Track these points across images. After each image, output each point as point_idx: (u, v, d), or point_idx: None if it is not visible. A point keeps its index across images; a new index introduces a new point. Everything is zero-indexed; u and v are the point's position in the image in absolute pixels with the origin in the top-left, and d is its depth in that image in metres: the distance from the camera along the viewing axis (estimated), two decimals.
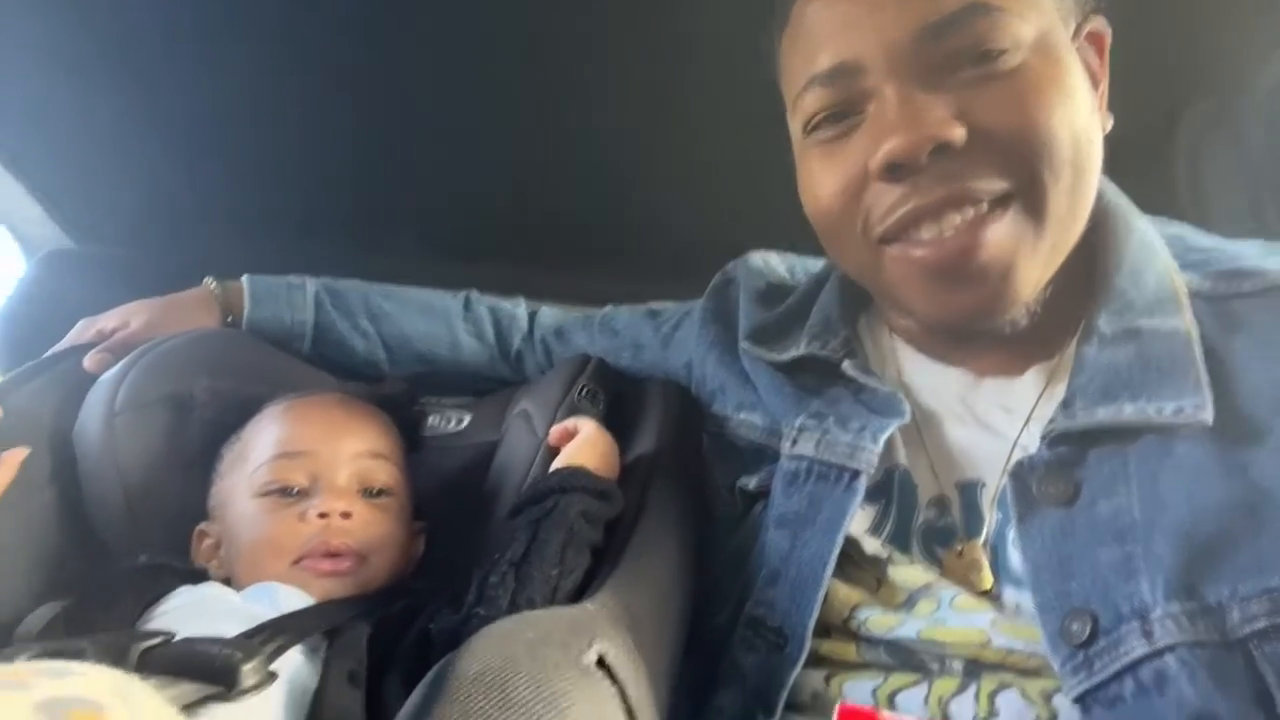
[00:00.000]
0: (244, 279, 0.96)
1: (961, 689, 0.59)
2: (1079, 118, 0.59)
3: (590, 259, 1.32)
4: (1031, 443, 0.64)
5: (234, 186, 1.26)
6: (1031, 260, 0.60)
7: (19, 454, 0.67)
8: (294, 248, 1.36)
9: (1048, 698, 0.57)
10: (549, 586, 0.59)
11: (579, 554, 0.62)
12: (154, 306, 0.91)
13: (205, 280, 0.96)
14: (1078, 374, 0.63)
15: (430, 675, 0.36)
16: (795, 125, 0.68)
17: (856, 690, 0.62)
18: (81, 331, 0.89)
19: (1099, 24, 0.65)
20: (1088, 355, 0.63)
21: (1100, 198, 0.68)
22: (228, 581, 0.70)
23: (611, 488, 0.68)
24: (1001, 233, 0.59)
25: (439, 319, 0.99)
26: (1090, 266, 0.67)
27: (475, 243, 1.33)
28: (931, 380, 0.72)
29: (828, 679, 0.64)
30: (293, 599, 0.64)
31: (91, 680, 0.37)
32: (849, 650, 0.64)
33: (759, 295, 0.87)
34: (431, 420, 0.94)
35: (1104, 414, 0.60)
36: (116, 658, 0.51)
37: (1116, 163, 0.65)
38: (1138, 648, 0.53)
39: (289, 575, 0.67)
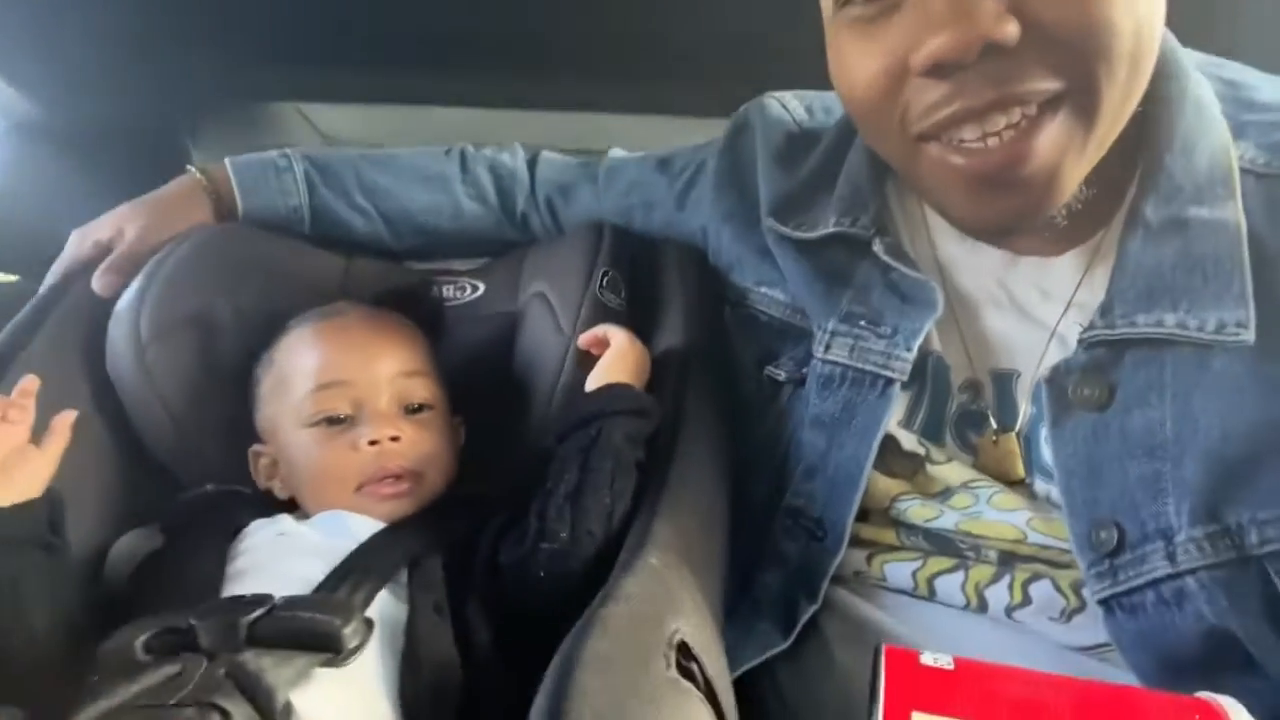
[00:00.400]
0: (228, 165, 0.92)
1: (996, 578, 0.65)
2: (1142, 3, 0.54)
3: (589, 66, 1.25)
4: (1069, 333, 0.64)
5: (196, 15, 1.15)
6: (1078, 161, 0.57)
7: (69, 417, 0.69)
8: (267, 74, 1.29)
9: (1078, 589, 0.63)
10: (604, 514, 0.63)
11: (627, 477, 0.66)
12: (145, 209, 0.88)
13: (189, 169, 0.92)
14: (1120, 275, 0.61)
15: (540, 713, 0.41)
16: None
17: (897, 572, 0.69)
18: (78, 246, 0.87)
19: None
20: (1132, 251, 0.61)
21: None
22: (293, 502, 0.75)
23: (650, 404, 0.71)
24: (1049, 139, 0.55)
25: (438, 187, 0.95)
26: (1139, 138, 0.63)
27: (465, 54, 1.25)
28: (966, 258, 0.70)
29: (869, 559, 0.70)
30: (364, 525, 0.69)
31: None
32: (889, 535, 0.70)
33: (779, 153, 0.82)
34: (444, 290, 0.94)
35: (1143, 323, 0.59)
36: (227, 635, 0.56)
37: None
38: (1161, 568, 0.58)
39: (353, 502, 0.71)
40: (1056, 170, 0.56)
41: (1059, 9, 0.52)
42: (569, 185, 0.96)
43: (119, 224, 0.87)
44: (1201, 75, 0.64)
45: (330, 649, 0.56)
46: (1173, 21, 0.61)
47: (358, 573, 0.63)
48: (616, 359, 0.75)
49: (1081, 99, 0.55)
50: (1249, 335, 0.57)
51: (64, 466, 0.69)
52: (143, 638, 0.57)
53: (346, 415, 0.73)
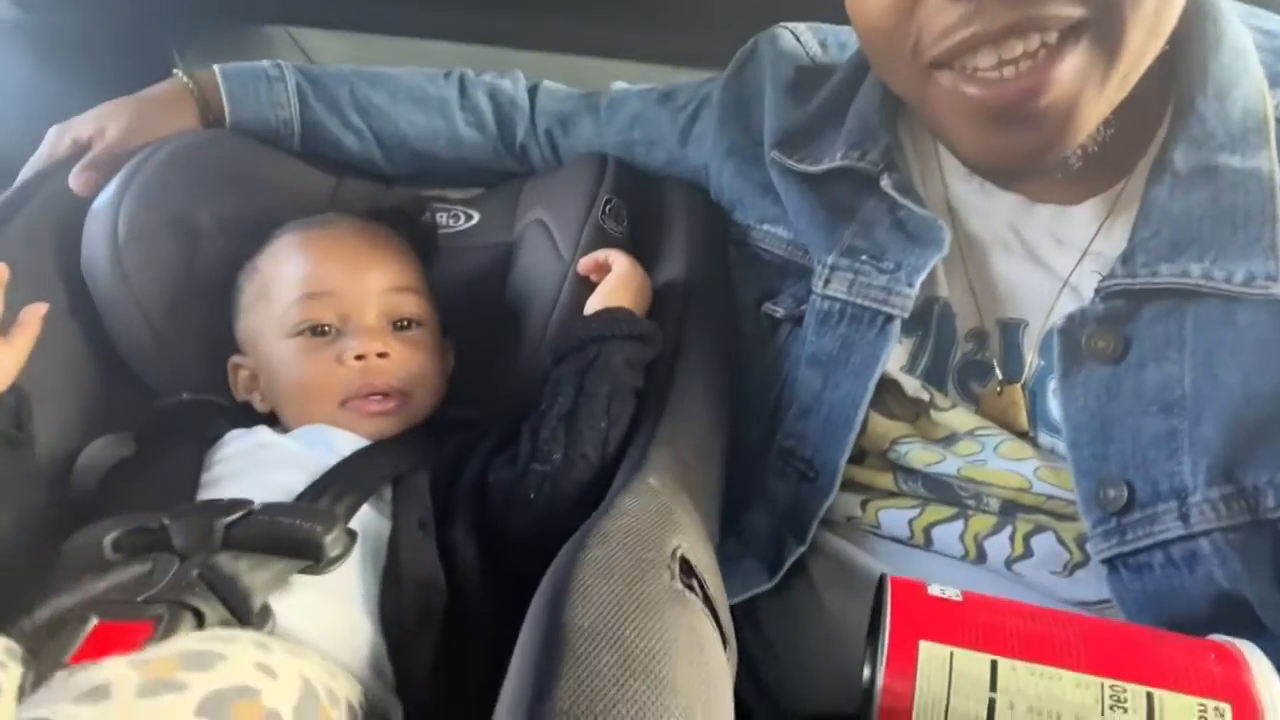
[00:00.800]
0: (216, 71, 0.87)
1: (998, 528, 0.63)
2: None
3: (589, 7, 1.21)
4: (1083, 284, 0.62)
5: None
6: (1097, 98, 0.54)
7: (40, 309, 0.65)
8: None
9: (1081, 543, 0.61)
10: (600, 438, 0.61)
11: (624, 402, 0.64)
12: (128, 109, 0.84)
13: (175, 73, 0.88)
14: (1144, 223, 0.59)
15: (539, 613, 0.39)
16: None
17: (892, 519, 0.67)
18: (55, 142, 0.82)
19: None
20: (1158, 199, 0.58)
21: None
22: (273, 415, 0.72)
23: (651, 329, 0.69)
24: (1069, 70, 0.53)
25: (435, 111, 0.92)
26: (1162, 81, 0.60)
27: None
28: (980, 201, 0.68)
29: (864, 504, 0.68)
30: (347, 441, 0.67)
31: (236, 662, 0.40)
32: (886, 479, 0.68)
33: (789, 86, 0.79)
34: (440, 218, 0.91)
35: (1167, 273, 0.57)
36: (202, 536, 0.53)
37: None
38: (1173, 529, 0.56)
39: (337, 417, 0.68)
40: (1074, 105, 0.54)
41: None
42: (570, 116, 0.93)
43: (100, 122, 0.82)
44: (1237, 19, 0.62)
45: (310, 556, 0.54)
46: None
47: (340, 485, 0.60)
48: (618, 284, 0.72)
49: (1104, 28, 0.52)
50: (1278, 288, 0.55)
51: (34, 368, 0.65)
52: (112, 535, 0.54)
53: (332, 326, 0.70)
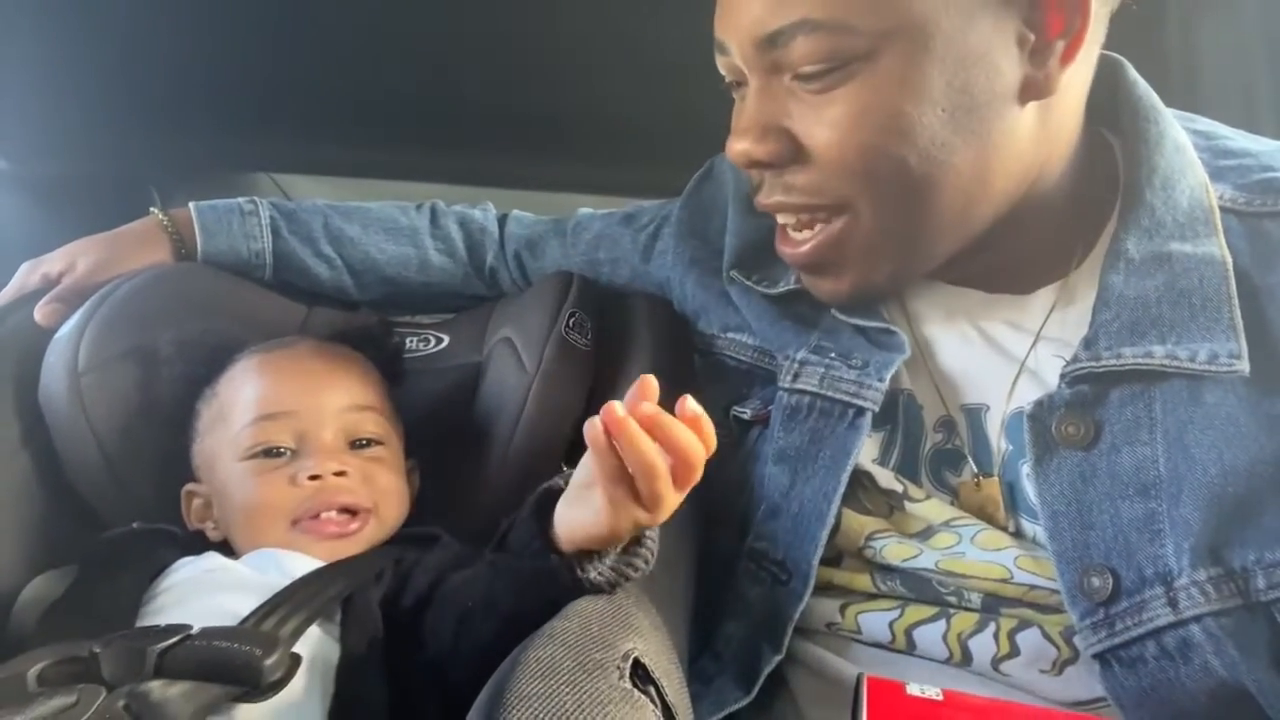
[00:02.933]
0: (191, 207, 0.90)
1: (981, 626, 0.61)
2: (930, 128, 0.55)
3: (563, 147, 1.27)
4: (1040, 368, 0.63)
5: (171, 87, 1.16)
6: (901, 246, 0.62)
7: None
8: (243, 145, 1.29)
9: (1069, 638, 0.58)
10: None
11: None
12: (100, 244, 0.85)
13: (151, 210, 0.90)
14: (1103, 308, 0.60)
15: (480, 714, 0.36)
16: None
17: (872, 623, 0.64)
18: (26, 277, 0.83)
19: None
20: (1114, 285, 0.60)
21: (1129, 92, 0.64)
22: (225, 543, 0.70)
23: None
24: (847, 236, 0.61)
25: (406, 239, 0.94)
26: (1110, 176, 0.63)
27: (441, 131, 1.26)
28: (938, 299, 0.69)
29: (843, 609, 0.65)
30: (300, 563, 0.64)
31: None
32: (863, 579, 0.65)
33: (747, 200, 0.81)
34: (408, 343, 0.91)
35: (1131, 355, 0.58)
36: (133, 664, 0.50)
37: (1106, 40, 0.59)
38: (1162, 616, 0.54)
39: (289, 539, 0.66)
40: (874, 256, 0.62)
41: (823, 140, 0.58)
42: (537, 240, 0.96)
43: (71, 256, 0.84)
44: (1177, 122, 0.65)
45: (248, 681, 0.50)
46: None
47: (288, 606, 0.57)
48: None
49: (864, 214, 0.60)
50: (1243, 365, 0.56)
51: None
52: (38, 666, 0.51)
53: (287, 448, 0.68)
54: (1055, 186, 0.61)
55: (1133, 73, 0.65)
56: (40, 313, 0.79)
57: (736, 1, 0.58)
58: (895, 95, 0.55)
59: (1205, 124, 0.68)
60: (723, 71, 0.65)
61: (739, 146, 0.61)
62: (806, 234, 0.62)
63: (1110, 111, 0.65)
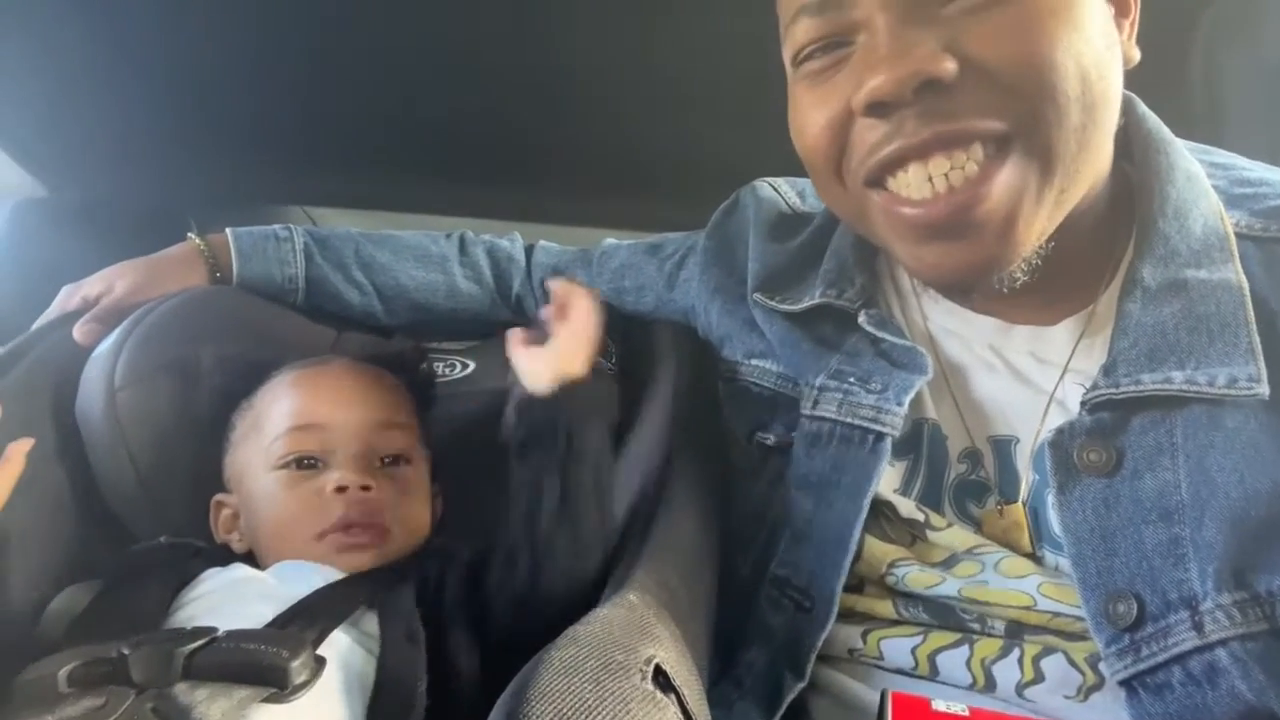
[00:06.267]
0: (228, 233, 0.92)
1: (1005, 652, 0.60)
2: (1089, 51, 0.54)
3: (589, 182, 1.29)
4: (1068, 398, 0.62)
5: (208, 119, 1.20)
6: (1035, 210, 0.56)
7: (24, 445, 0.65)
8: (277, 179, 1.33)
9: (1094, 664, 0.57)
10: (601, 529, 0.61)
11: (609, 478, 0.63)
12: (138, 268, 0.88)
13: (189, 236, 0.93)
14: (1121, 335, 0.60)
15: (499, 713, 0.37)
16: (786, 56, 0.64)
17: (895, 649, 0.63)
18: (66, 299, 0.86)
19: None
20: (1131, 313, 0.60)
21: (1139, 126, 0.65)
22: (250, 554, 0.71)
23: (609, 393, 0.68)
24: (1001, 185, 0.55)
25: (435, 266, 0.96)
26: (1127, 206, 0.63)
27: (468, 166, 1.29)
28: (959, 327, 0.69)
29: (865, 635, 0.65)
30: (323, 575, 0.64)
31: None
32: (885, 606, 0.65)
33: (770, 230, 0.83)
34: (437, 367, 0.93)
35: (1150, 381, 0.58)
36: (161, 666, 0.51)
37: (1128, 77, 0.60)
38: (1187, 640, 0.53)
39: (313, 551, 0.67)
40: (1012, 216, 0.56)
41: (998, 46, 0.54)
42: (564, 268, 0.97)
43: (110, 279, 0.86)
44: (1191, 155, 0.66)
45: (275, 683, 0.51)
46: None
47: (310, 613, 0.58)
48: (573, 343, 0.67)
49: (1030, 140, 0.55)
50: (1263, 389, 0.55)
51: (16, 510, 0.64)
52: (68, 668, 0.51)
53: (318, 459, 0.70)
54: (1089, 209, 0.61)
55: (1142, 107, 0.66)
56: (79, 331, 0.81)
57: None
58: (1080, 16, 0.54)
59: (1223, 156, 0.69)
60: (808, 37, 0.60)
61: (885, 75, 0.54)
62: (942, 183, 0.56)
63: (1124, 144, 0.66)
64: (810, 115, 0.61)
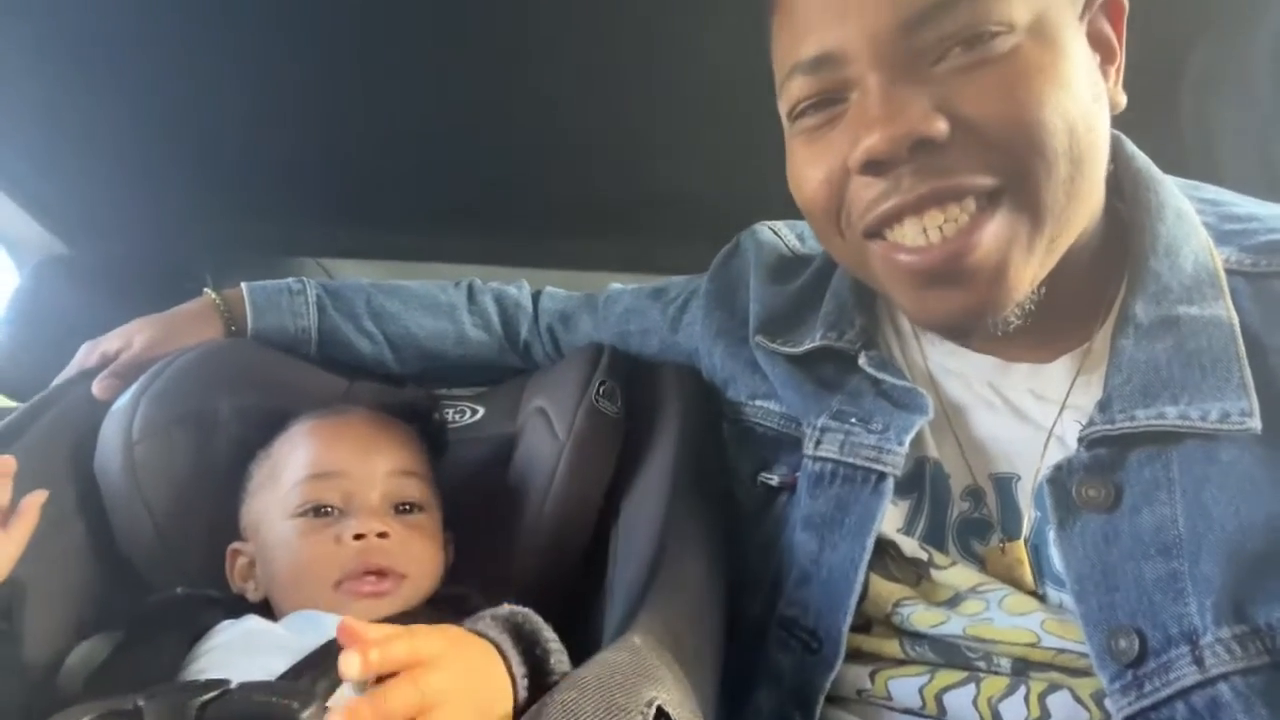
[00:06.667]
0: (243, 287, 0.95)
1: (1011, 690, 0.60)
2: (1075, 106, 0.56)
3: (595, 227, 1.32)
4: (1067, 434, 0.63)
5: (224, 176, 1.24)
6: (1026, 259, 0.58)
7: (38, 498, 0.67)
8: (291, 233, 1.37)
9: (1099, 701, 0.57)
10: None
11: None
12: (156, 323, 0.90)
13: (204, 290, 0.95)
14: (1115, 372, 0.61)
15: None
16: (782, 110, 0.65)
17: (902, 689, 0.63)
18: (86, 356, 0.88)
19: None
20: (1125, 350, 0.61)
21: (1128, 165, 0.66)
22: (266, 603, 0.72)
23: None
24: (992, 233, 0.57)
25: (444, 315, 0.98)
26: (1119, 244, 0.64)
27: (479, 218, 1.33)
28: (959, 366, 0.70)
29: (873, 675, 0.65)
30: (334, 626, 0.65)
31: None
32: (892, 646, 0.65)
33: (770, 273, 0.85)
34: (447, 414, 0.94)
35: (1144, 417, 0.58)
36: (175, 717, 0.52)
37: (1120, 115, 0.62)
38: (1189, 675, 0.53)
39: (329, 599, 0.67)
40: (1003, 265, 0.58)
41: (987, 105, 0.55)
42: (570, 314, 0.99)
43: (128, 335, 0.89)
44: (1180, 193, 0.67)
45: None
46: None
47: (321, 664, 0.58)
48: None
49: (1020, 194, 0.57)
50: (1255, 423, 0.56)
51: (35, 564, 0.66)
52: (89, 717, 0.52)
53: (335, 508, 0.71)
54: (1082, 249, 0.62)
55: (1131, 146, 0.68)
56: (98, 387, 0.83)
57: None
58: (1055, 57, 0.55)
59: (1212, 191, 0.70)
60: (803, 94, 0.61)
61: (880, 135, 0.55)
62: (936, 235, 0.58)
63: (1114, 183, 0.67)
64: (807, 171, 0.63)
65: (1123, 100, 0.62)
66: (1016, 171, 0.56)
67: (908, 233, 0.59)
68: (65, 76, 1.06)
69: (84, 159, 1.18)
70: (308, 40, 1.02)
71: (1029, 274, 0.59)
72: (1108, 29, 0.61)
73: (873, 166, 0.58)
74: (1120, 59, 0.62)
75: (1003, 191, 0.56)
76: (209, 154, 1.19)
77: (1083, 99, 0.56)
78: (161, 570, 0.76)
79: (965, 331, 0.65)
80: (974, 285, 0.58)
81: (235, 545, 0.75)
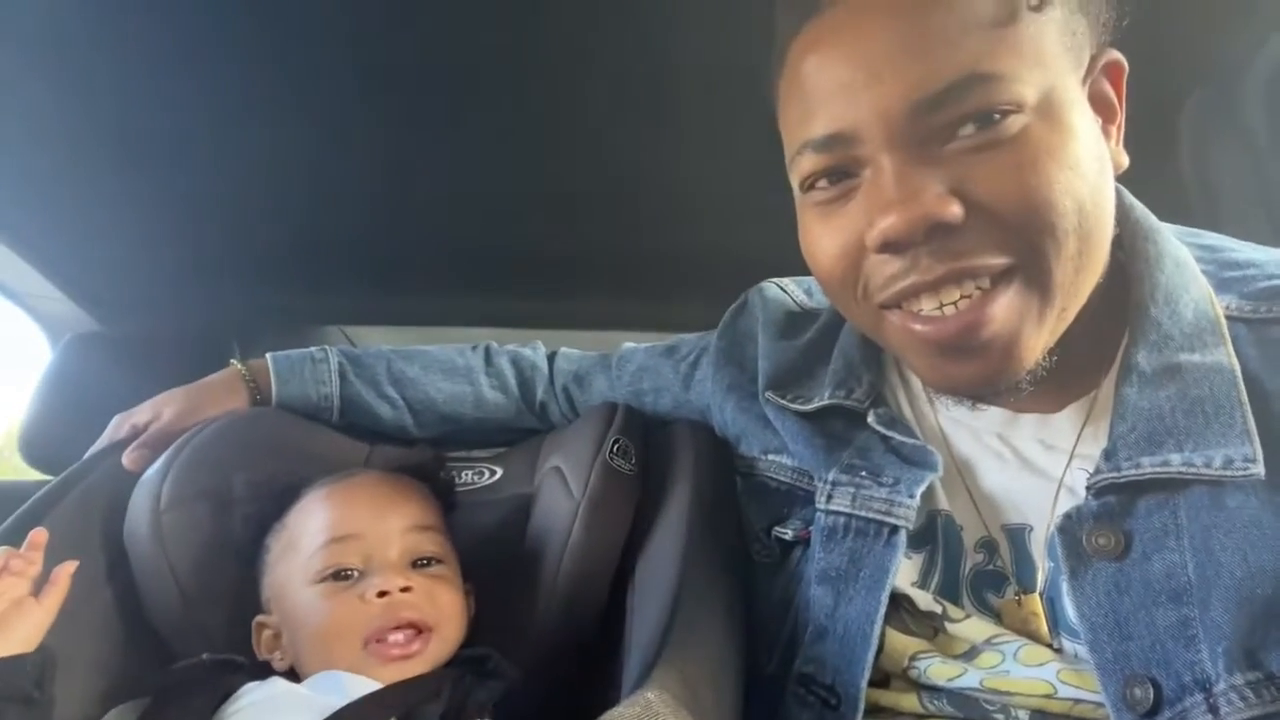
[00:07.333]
0: (268, 358, 0.97)
1: None
2: (1084, 185, 0.57)
3: (608, 287, 1.35)
4: (1076, 483, 0.63)
5: (250, 253, 1.28)
6: (1037, 332, 0.59)
7: (69, 567, 0.69)
8: (315, 302, 1.40)
9: None
10: None
11: None
12: (184, 395, 0.93)
13: (231, 361, 0.98)
14: (1119, 421, 0.61)
15: None
16: (793, 180, 0.66)
17: None
18: (116, 428, 0.91)
19: (1114, 56, 0.62)
20: (1129, 398, 0.61)
21: (1127, 216, 0.67)
22: (292, 672, 0.72)
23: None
24: (1005, 307, 0.58)
25: (462, 378, 1.00)
26: (1121, 294, 0.65)
27: (495, 282, 1.36)
28: (967, 419, 0.71)
29: None
30: (361, 685, 0.66)
31: None
32: (911, 700, 0.65)
33: (779, 328, 0.86)
34: (464, 475, 0.96)
35: (1150, 464, 0.59)
36: None
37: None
38: None
39: (359, 661, 0.68)
40: (1015, 338, 0.58)
41: (1000, 189, 0.56)
42: (585, 374, 1.01)
43: (158, 407, 0.91)
44: (1179, 240, 0.68)
45: None
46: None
47: None
48: None
49: (1032, 272, 0.57)
50: (1259, 469, 0.56)
51: (65, 632, 0.68)
52: None
53: (356, 570, 0.72)
54: (1087, 305, 0.63)
55: (1129, 197, 0.69)
56: (128, 458, 0.86)
57: (877, 76, 0.56)
58: (1063, 137, 0.56)
59: (1211, 238, 0.71)
60: (814, 169, 0.62)
61: (897, 218, 0.56)
62: (951, 309, 0.58)
63: (1114, 235, 0.68)
64: (822, 243, 0.64)
65: (1125, 161, 0.63)
66: (1028, 251, 0.57)
67: (924, 305, 0.60)
68: (95, 156, 1.11)
69: (113, 236, 1.22)
70: (327, 115, 1.06)
71: (1040, 344, 0.59)
72: (1109, 89, 0.63)
73: (890, 247, 0.58)
74: (1121, 118, 0.63)
75: (1016, 269, 0.57)
76: (234, 228, 1.23)
77: (1090, 176, 0.57)
78: (188, 639, 0.77)
79: (980, 396, 0.66)
80: (987, 356, 0.59)
81: (260, 618, 0.76)
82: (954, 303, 0.58)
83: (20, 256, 1.22)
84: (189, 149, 1.11)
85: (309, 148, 1.11)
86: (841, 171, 0.61)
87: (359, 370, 0.99)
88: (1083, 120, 0.58)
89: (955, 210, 0.55)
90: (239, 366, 0.97)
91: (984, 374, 0.60)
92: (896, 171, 0.57)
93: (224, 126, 1.07)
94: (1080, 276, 0.59)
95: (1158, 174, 0.69)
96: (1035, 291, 0.58)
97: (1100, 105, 0.61)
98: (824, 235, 0.63)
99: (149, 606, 0.78)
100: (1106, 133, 0.62)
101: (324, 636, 0.70)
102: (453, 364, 1.02)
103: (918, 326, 0.60)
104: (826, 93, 0.59)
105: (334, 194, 1.20)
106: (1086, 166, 0.57)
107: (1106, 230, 0.60)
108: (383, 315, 1.50)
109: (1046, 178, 0.55)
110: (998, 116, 0.55)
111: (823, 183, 0.62)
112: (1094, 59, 0.61)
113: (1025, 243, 0.56)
